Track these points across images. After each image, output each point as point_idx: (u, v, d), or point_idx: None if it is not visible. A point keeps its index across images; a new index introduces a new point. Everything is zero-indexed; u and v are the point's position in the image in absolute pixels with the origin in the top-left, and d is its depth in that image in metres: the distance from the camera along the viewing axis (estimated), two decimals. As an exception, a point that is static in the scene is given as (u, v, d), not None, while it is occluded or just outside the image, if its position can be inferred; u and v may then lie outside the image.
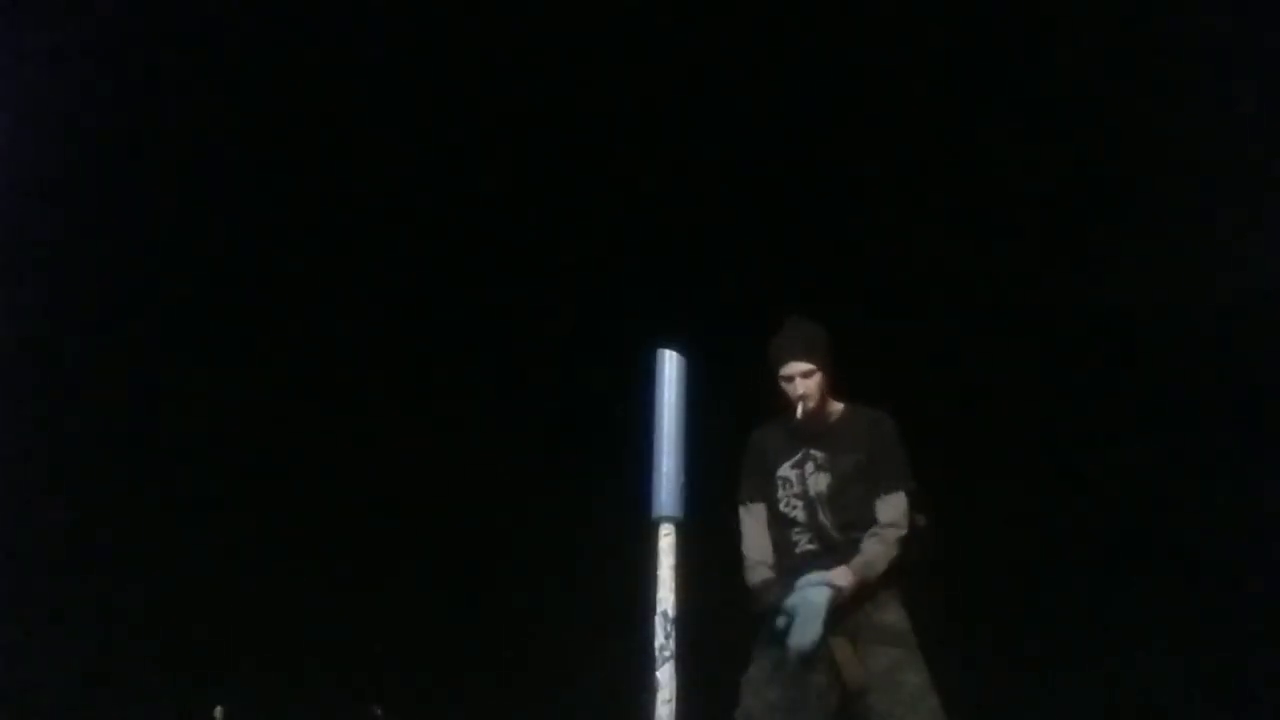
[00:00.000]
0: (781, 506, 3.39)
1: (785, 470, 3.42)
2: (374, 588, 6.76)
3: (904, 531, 3.31)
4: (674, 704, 2.35)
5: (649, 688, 2.35)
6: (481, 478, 6.81)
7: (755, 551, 3.41)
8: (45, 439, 6.26)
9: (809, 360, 3.38)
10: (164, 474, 6.61)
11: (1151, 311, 5.88)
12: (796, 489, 3.38)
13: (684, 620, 2.42)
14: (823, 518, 3.32)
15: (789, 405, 3.38)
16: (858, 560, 3.24)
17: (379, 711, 6.65)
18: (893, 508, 3.32)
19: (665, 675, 2.35)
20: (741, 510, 3.48)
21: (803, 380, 3.37)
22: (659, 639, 2.36)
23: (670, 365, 2.58)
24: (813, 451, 3.40)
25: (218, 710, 6.16)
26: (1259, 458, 5.65)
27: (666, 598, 2.42)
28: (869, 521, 3.31)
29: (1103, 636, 5.91)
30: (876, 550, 3.26)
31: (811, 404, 3.37)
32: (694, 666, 2.45)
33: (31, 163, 5.77)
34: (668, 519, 2.46)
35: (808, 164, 6.38)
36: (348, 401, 6.90)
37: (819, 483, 3.36)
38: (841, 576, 3.18)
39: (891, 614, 3.26)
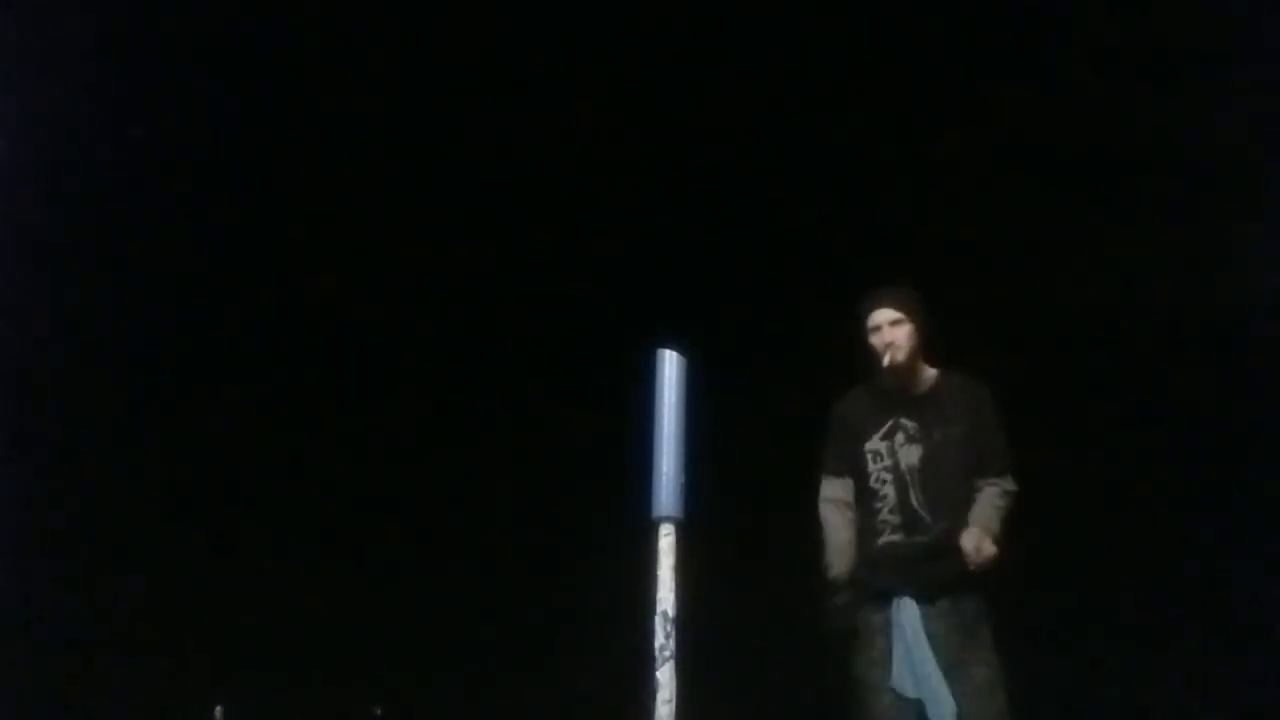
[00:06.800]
0: (871, 482, 3.08)
1: (874, 442, 3.11)
2: (374, 587, 6.76)
3: (1015, 489, 3.06)
4: (674, 704, 2.35)
5: (649, 688, 2.34)
6: (482, 478, 6.81)
7: (836, 539, 3.10)
8: (45, 439, 6.26)
9: (898, 309, 3.12)
10: (165, 474, 6.61)
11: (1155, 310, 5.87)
12: (887, 462, 3.07)
13: (684, 620, 2.41)
14: (913, 497, 3.03)
15: (876, 359, 3.10)
16: (979, 514, 2.98)
17: (379, 711, 6.65)
18: (1004, 482, 3.07)
19: (665, 675, 2.34)
20: (824, 485, 3.17)
21: (891, 329, 3.09)
22: (659, 639, 2.35)
23: (670, 365, 2.57)
24: (903, 421, 3.09)
25: (218, 710, 6.16)
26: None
27: (666, 598, 2.41)
28: (962, 503, 3.02)
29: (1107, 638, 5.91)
30: (1000, 507, 3.01)
31: (901, 355, 3.08)
32: (694, 666, 2.45)
33: (35, 164, 5.76)
34: (668, 519, 2.45)
35: (809, 163, 6.38)
36: (348, 402, 6.90)
37: (910, 455, 3.06)
38: (972, 540, 2.90)
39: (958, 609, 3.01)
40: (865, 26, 6.05)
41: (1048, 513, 6.03)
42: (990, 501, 3.03)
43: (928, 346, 3.17)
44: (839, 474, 3.18)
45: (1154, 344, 5.94)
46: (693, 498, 2.50)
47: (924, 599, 2.99)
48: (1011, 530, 3.05)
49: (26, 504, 5.98)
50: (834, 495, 3.18)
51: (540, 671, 6.45)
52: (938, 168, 6.26)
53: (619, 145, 6.43)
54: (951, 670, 2.92)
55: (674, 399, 2.53)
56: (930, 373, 3.17)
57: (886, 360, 3.07)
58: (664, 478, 2.48)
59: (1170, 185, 5.83)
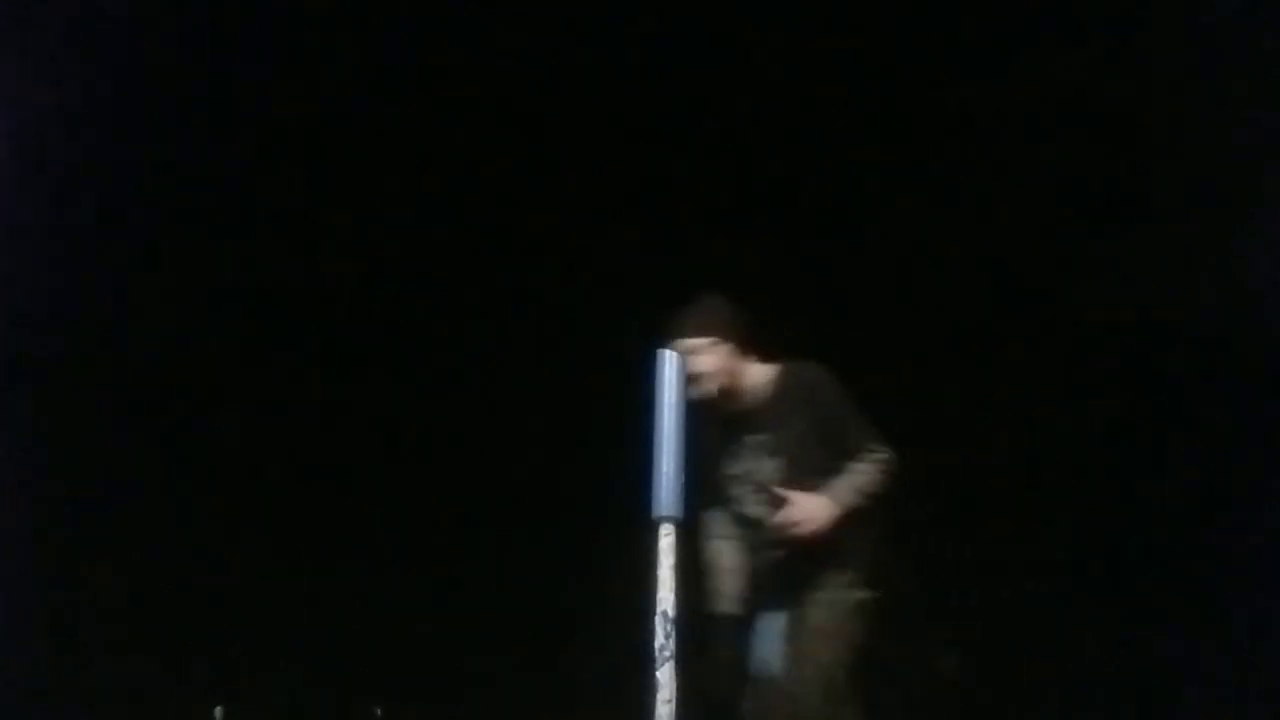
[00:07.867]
0: (744, 507, 3.01)
1: (735, 468, 3.02)
2: (374, 588, 6.76)
3: (891, 457, 2.87)
4: (674, 704, 2.35)
5: (649, 688, 2.34)
6: (482, 478, 6.81)
7: (711, 577, 3.01)
8: (45, 438, 6.26)
9: (699, 335, 2.97)
10: (165, 474, 6.61)
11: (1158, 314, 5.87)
12: (749, 482, 2.99)
13: (684, 620, 2.41)
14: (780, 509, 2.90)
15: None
16: (838, 484, 2.82)
17: (379, 711, 6.66)
18: (876, 452, 2.88)
19: (665, 675, 2.34)
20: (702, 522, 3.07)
21: (695, 359, 2.89)
22: (659, 639, 2.35)
23: (670, 365, 2.57)
24: (749, 437, 2.99)
25: (218, 710, 6.17)
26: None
27: (666, 598, 2.41)
28: None
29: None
30: (862, 473, 2.84)
31: (723, 379, 2.97)
32: (694, 666, 2.45)
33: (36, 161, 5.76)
34: (668, 519, 2.45)
35: (810, 165, 6.38)
36: (349, 402, 6.91)
37: (765, 469, 2.96)
38: (786, 512, 2.78)
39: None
40: (866, 31, 6.05)
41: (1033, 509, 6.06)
42: (844, 478, 2.86)
43: (754, 349, 3.03)
44: (707, 509, 3.06)
45: (1151, 344, 5.95)
46: (693, 498, 2.50)
47: (791, 604, 2.91)
48: (882, 497, 2.87)
49: (26, 503, 5.99)
50: (708, 530, 3.07)
51: (540, 671, 6.45)
52: (937, 169, 6.27)
53: (619, 145, 6.43)
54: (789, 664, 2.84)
55: (674, 399, 2.53)
56: (763, 377, 3.03)
57: (697, 395, 2.82)
58: (664, 478, 2.47)
59: (1171, 186, 5.83)
